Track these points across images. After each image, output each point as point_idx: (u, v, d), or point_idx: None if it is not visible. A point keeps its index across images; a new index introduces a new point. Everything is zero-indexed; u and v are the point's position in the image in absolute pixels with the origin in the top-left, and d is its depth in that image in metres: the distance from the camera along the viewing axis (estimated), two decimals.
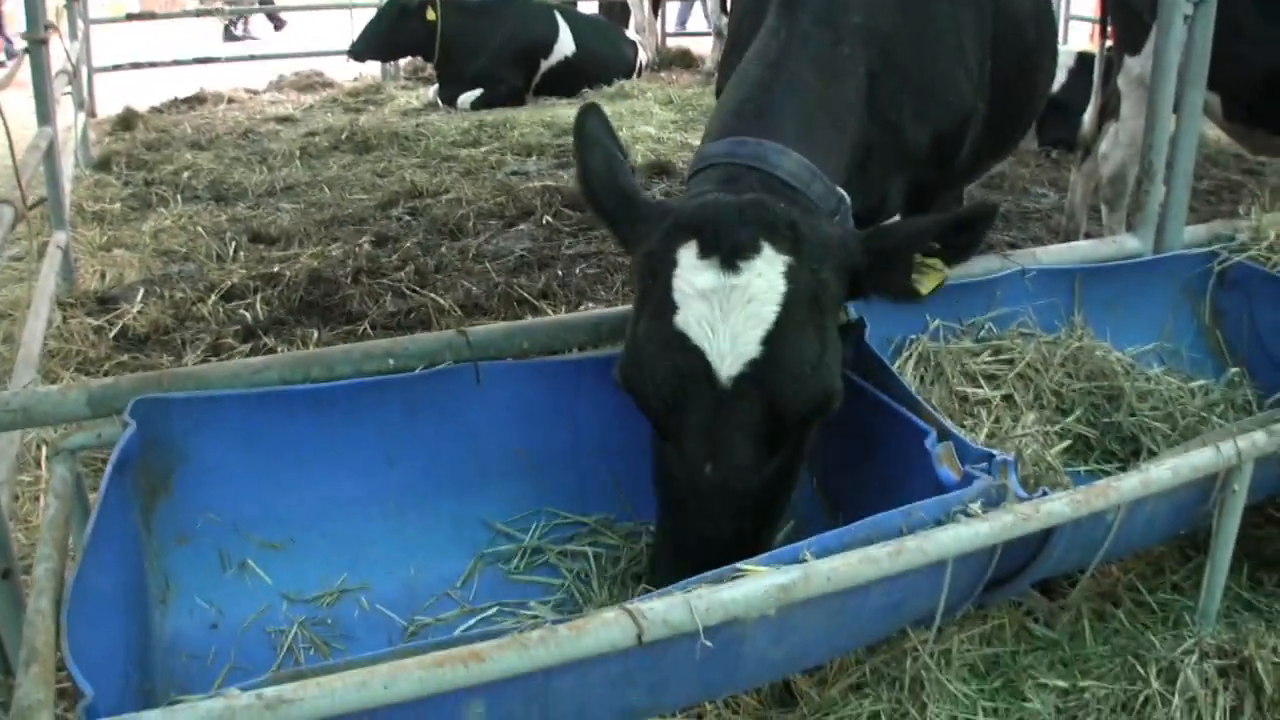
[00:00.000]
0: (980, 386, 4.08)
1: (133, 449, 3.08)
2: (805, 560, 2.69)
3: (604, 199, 3.36)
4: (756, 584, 2.57)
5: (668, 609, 2.47)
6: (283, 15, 22.01)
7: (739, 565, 2.66)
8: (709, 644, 2.51)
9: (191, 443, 3.30)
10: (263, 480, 3.42)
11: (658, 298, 3.03)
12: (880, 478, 3.60)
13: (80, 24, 12.66)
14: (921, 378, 4.07)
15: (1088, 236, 8.24)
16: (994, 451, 3.17)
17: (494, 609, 3.55)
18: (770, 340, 2.93)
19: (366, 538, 3.55)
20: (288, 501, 3.46)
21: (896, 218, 4.25)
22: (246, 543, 3.42)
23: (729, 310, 2.93)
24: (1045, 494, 3.09)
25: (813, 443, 3.28)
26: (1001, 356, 4.25)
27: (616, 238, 3.40)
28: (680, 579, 2.66)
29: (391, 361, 3.54)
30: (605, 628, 2.41)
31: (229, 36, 22.24)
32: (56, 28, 8.24)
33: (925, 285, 3.22)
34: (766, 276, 2.96)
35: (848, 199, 3.47)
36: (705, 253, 2.98)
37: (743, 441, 2.97)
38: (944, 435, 3.29)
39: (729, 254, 2.96)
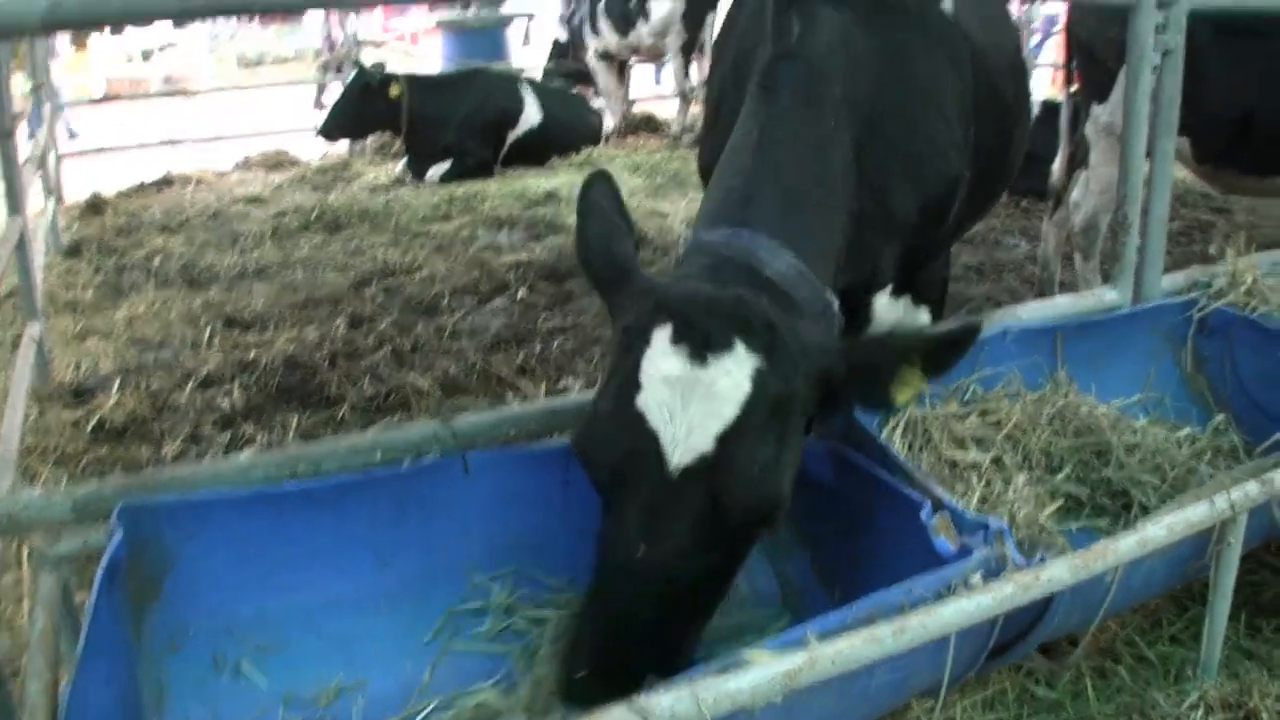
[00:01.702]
0: (969, 451, 4.05)
1: (121, 555, 3.03)
2: (809, 644, 2.66)
3: (597, 267, 3.32)
4: (763, 672, 2.54)
5: (674, 703, 2.42)
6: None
7: (744, 653, 2.63)
8: None
9: (181, 546, 3.25)
10: (254, 582, 3.37)
11: (626, 373, 2.98)
12: (876, 549, 3.57)
13: (47, 109, 12.66)
14: (911, 444, 4.04)
15: (1063, 285, 8.31)
16: (989, 519, 3.16)
17: (486, 694, 3.50)
18: (725, 439, 2.87)
19: (361, 635, 3.49)
20: (280, 602, 3.41)
21: (888, 289, 4.26)
22: (240, 645, 3.36)
23: (689, 401, 2.88)
24: (1043, 560, 3.07)
25: (748, 554, 3.19)
26: (989, 419, 4.24)
27: (606, 307, 3.35)
28: (590, 665, 2.75)
29: (378, 455, 3.50)
30: None
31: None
32: (23, 117, 8.25)
33: (902, 395, 3.15)
34: (733, 375, 2.90)
35: (835, 302, 3.44)
36: (677, 339, 2.93)
37: (679, 531, 2.89)
38: (938, 505, 3.27)
39: (700, 345, 2.91)
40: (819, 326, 3.28)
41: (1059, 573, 3.02)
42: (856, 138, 3.76)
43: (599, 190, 3.48)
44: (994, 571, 3.02)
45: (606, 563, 3.00)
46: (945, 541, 3.17)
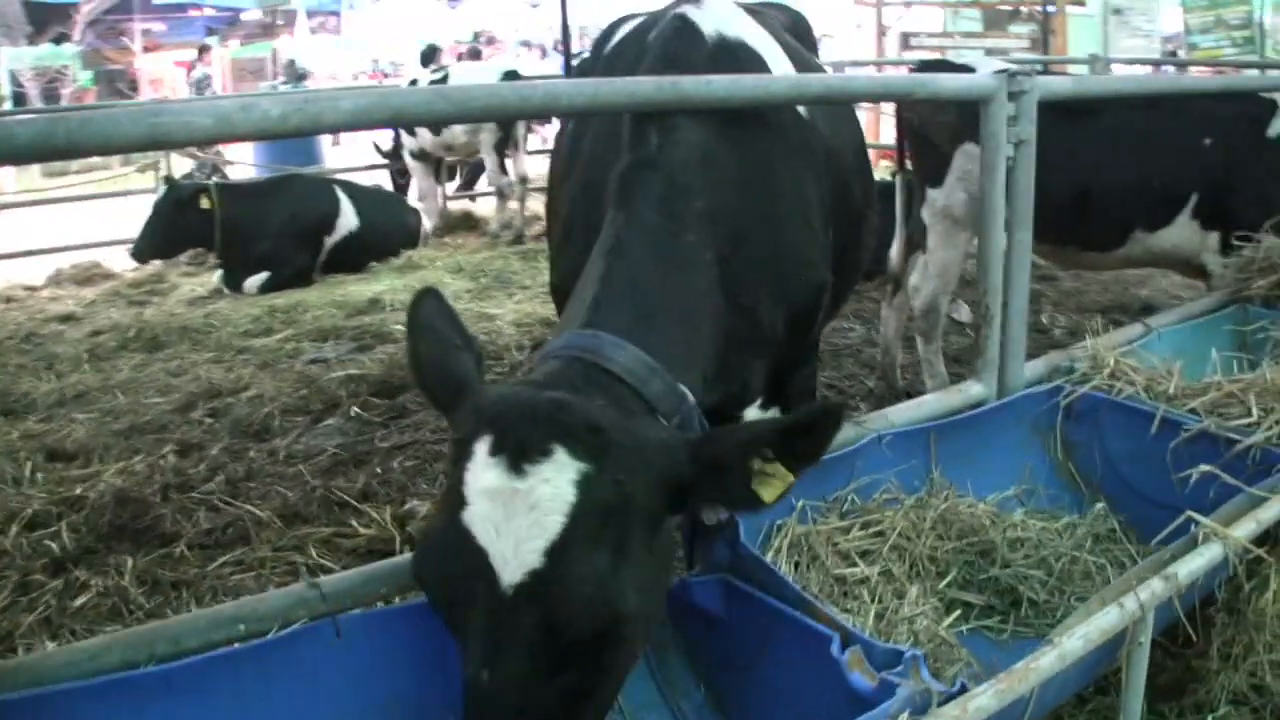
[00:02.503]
0: (856, 565, 4.02)
1: None
2: None
3: (434, 389, 3.21)
4: None
5: None
6: None
7: None
8: None
9: None
10: None
11: (454, 489, 2.86)
12: (777, 681, 3.51)
13: None
14: (796, 563, 3.99)
15: (903, 369, 8.41)
16: (902, 649, 3.08)
17: None
18: (552, 553, 2.73)
19: None
20: None
21: (758, 403, 4.22)
22: None
23: (512, 514, 2.74)
24: (964, 687, 3.00)
25: (617, 678, 3.04)
26: (872, 530, 4.21)
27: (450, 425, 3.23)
28: None
29: (242, 627, 3.32)
30: None
31: None
32: None
33: (769, 493, 3.02)
34: (554, 484, 2.76)
35: (691, 398, 3.33)
36: (495, 450, 2.80)
37: (520, 654, 2.73)
38: (847, 638, 3.19)
39: (515, 455, 2.78)
40: (670, 423, 3.20)
41: (985, 701, 2.97)
42: (720, 252, 3.71)
43: (427, 308, 3.35)
44: (920, 709, 2.93)
45: (465, 694, 2.83)
46: (861, 678, 3.07)
